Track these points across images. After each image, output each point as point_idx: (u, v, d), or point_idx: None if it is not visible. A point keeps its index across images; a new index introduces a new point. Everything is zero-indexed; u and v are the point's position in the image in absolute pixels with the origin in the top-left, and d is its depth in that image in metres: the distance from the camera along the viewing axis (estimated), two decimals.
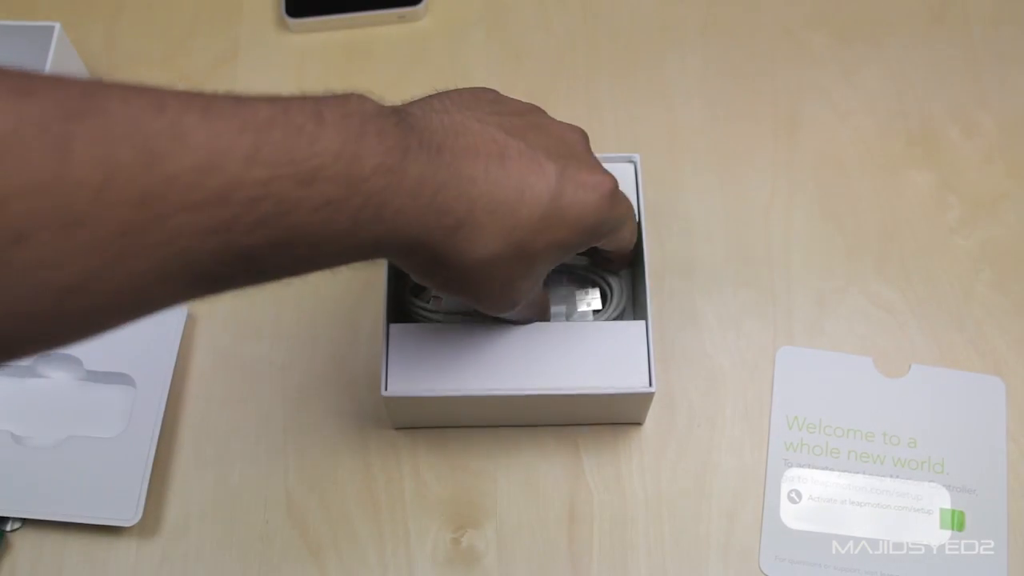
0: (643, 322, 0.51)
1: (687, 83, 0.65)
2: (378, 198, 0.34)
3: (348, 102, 0.34)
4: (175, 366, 0.55)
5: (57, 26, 0.59)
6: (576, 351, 0.50)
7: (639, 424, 0.55)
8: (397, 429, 0.55)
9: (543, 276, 0.43)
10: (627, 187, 0.53)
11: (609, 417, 0.55)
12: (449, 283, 0.40)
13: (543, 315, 0.50)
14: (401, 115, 0.36)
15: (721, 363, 0.57)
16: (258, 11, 0.67)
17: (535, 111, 0.44)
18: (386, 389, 0.49)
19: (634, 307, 0.55)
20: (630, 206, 0.46)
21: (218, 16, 0.67)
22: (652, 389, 0.49)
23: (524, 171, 0.39)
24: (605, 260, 0.52)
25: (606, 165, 0.54)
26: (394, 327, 0.50)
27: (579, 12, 0.67)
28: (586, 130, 0.46)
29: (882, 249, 0.60)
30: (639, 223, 0.53)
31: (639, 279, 0.53)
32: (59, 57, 0.59)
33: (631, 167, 0.54)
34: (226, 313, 0.58)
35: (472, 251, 0.38)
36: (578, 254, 0.51)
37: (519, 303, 0.43)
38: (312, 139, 0.32)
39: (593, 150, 0.59)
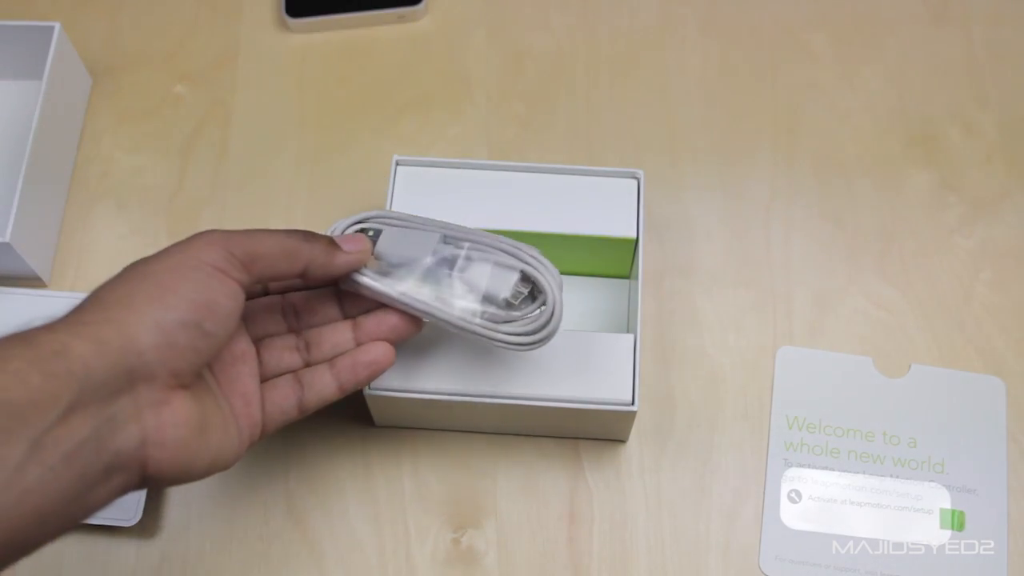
0: (632, 336, 0.50)
1: (687, 83, 0.65)
2: None
3: None
4: None
5: (57, 26, 0.59)
6: (561, 361, 0.49)
7: (623, 442, 0.55)
8: (379, 427, 0.55)
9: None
10: (629, 202, 0.53)
11: (592, 432, 0.54)
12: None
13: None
14: None
15: (721, 363, 0.57)
16: (258, 11, 0.67)
17: None
18: (368, 386, 0.49)
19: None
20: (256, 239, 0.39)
21: (218, 16, 0.67)
22: (634, 408, 0.49)
23: None
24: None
25: (608, 180, 0.53)
26: None
27: (579, 12, 0.67)
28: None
29: (882, 249, 0.60)
30: (636, 239, 0.52)
31: (632, 291, 0.52)
32: (59, 57, 0.59)
33: (634, 183, 0.53)
34: None
35: None
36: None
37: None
38: None
39: (592, 152, 0.59)
